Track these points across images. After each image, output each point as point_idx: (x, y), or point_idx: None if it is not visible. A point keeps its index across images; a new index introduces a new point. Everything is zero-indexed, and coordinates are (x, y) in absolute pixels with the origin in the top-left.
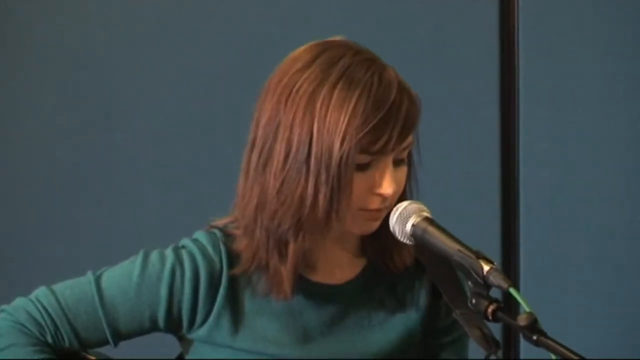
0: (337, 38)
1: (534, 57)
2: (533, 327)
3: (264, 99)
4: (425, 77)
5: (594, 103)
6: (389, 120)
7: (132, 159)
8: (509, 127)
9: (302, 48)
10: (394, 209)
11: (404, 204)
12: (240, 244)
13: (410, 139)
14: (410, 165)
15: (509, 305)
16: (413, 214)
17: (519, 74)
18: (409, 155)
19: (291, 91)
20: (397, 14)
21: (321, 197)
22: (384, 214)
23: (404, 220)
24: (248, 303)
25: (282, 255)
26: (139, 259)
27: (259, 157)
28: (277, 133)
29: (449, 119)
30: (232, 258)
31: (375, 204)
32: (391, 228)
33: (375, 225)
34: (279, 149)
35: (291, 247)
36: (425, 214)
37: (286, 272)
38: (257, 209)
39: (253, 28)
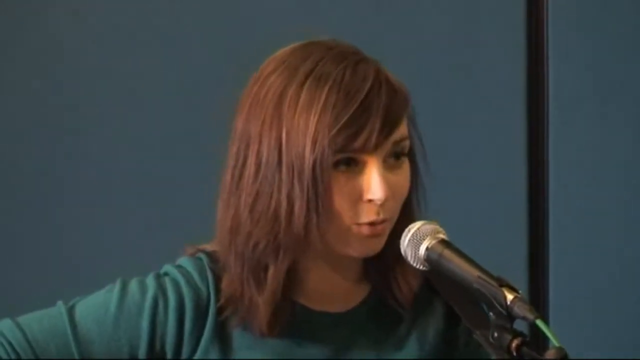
0: (320, 38)
1: (564, 62)
2: None
3: (236, 113)
4: (448, 86)
5: (631, 112)
6: (366, 113)
7: (110, 170)
8: (537, 139)
9: (275, 53)
10: (406, 230)
11: (417, 224)
12: (223, 282)
13: (399, 135)
14: (414, 172)
15: (536, 340)
16: (427, 236)
17: (549, 81)
18: (412, 160)
19: (259, 99)
20: (420, 22)
21: (297, 209)
22: (385, 229)
23: (417, 243)
24: (239, 335)
25: (260, 282)
26: (116, 288)
27: (232, 177)
28: (248, 147)
29: (473, 131)
30: (220, 286)
31: (369, 214)
32: (402, 252)
33: (378, 244)
34: (250, 163)
35: (270, 272)
36: (441, 235)
37: (263, 302)
38: (231, 233)
39: (247, 30)
